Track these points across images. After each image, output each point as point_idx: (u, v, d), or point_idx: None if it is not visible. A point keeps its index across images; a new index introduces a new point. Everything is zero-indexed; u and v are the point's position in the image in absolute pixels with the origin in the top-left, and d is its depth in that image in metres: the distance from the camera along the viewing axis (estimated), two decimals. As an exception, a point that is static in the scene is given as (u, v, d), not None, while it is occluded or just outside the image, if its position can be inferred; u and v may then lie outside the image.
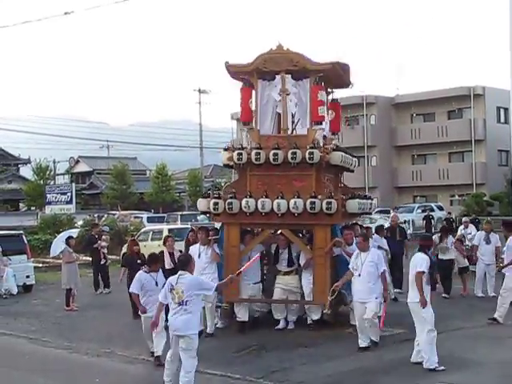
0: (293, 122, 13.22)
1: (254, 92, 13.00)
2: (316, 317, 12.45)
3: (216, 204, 12.54)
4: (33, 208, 56.59)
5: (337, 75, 13.20)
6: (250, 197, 12.32)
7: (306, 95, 12.85)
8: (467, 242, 19.08)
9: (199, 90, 57.60)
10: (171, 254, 13.80)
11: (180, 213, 43.87)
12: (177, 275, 8.64)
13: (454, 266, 16.93)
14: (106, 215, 43.37)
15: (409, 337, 11.59)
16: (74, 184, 51.03)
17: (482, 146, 50.50)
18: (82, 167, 76.43)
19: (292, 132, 13.14)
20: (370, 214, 15.91)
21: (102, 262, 19.80)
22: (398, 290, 16.22)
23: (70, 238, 18.63)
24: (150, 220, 40.52)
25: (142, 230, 29.72)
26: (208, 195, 13.21)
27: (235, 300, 12.66)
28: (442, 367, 9.46)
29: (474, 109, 50.49)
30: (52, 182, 58.12)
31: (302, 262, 12.63)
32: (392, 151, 54.85)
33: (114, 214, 42.86)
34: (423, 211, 39.76)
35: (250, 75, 12.91)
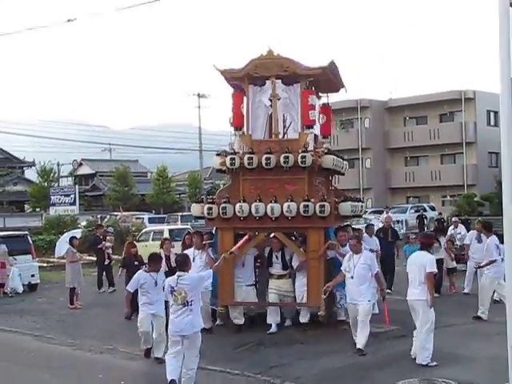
0: (284, 127, 13.06)
1: (245, 97, 12.79)
2: (304, 320, 12.29)
3: (210, 209, 12.35)
4: (37, 209, 56.48)
5: (327, 79, 13.03)
6: (244, 201, 12.13)
7: (296, 100, 12.67)
8: (457, 242, 19.14)
9: (198, 95, 57.53)
10: (167, 257, 13.60)
11: (180, 214, 43.82)
12: (176, 276, 8.47)
13: (443, 266, 16.98)
14: (108, 216, 43.33)
15: (402, 333, 11.63)
16: (77, 186, 50.99)
17: (472, 149, 50.62)
18: (85, 170, 76.45)
19: (283, 136, 12.96)
20: (361, 216, 15.73)
21: (106, 262, 19.81)
22: (388, 291, 16.22)
23: (73, 238, 18.66)
24: (151, 221, 40.47)
25: (144, 231, 29.74)
26: (202, 200, 13.04)
27: (230, 303, 12.52)
28: (435, 362, 9.49)
29: (465, 112, 50.63)
30: (56, 184, 57.97)
31: (295, 264, 12.44)
32: (386, 153, 54.94)
33: (116, 215, 42.82)
34: (416, 211, 39.86)
35: (241, 81, 12.75)
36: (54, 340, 12.82)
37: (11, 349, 12.43)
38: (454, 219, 22.85)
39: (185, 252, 11.34)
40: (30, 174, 69.19)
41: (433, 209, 42.83)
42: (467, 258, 16.50)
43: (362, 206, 13.86)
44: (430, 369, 9.36)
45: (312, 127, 12.75)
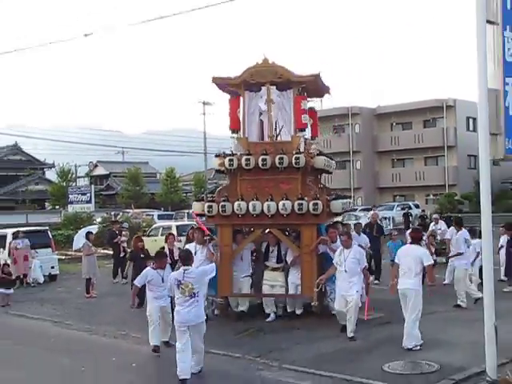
0: (275, 129, 12.84)
1: (241, 102, 12.65)
2: (299, 311, 12.21)
3: (210, 207, 12.24)
4: (57, 207, 56.39)
5: (316, 86, 12.91)
6: (242, 200, 12.03)
7: (289, 104, 12.52)
8: (438, 237, 19.14)
9: (204, 102, 57.42)
10: (171, 251, 13.51)
11: (187, 211, 43.68)
12: (182, 271, 8.40)
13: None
14: (121, 213, 43.25)
15: (389, 320, 11.64)
16: (93, 186, 51.02)
17: (453, 152, 50.63)
18: (100, 171, 76.38)
19: (275, 139, 12.76)
20: (351, 210, 15.52)
21: (121, 255, 19.78)
22: (376, 281, 16.22)
23: (89, 233, 18.67)
24: (160, 217, 40.42)
25: (153, 226, 29.70)
26: (202, 199, 12.93)
27: (228, 294, 12.40)
28: (419, 347, 9.50)
29: (446, 119, 50.65)
30: (74, 184, 57.94)
31: (289, 259, 12.30)
32: (374, 156, 54.91)
33: (128, 212, 42.76)
34: (402, 209, 39.78)
35: (237, 87, 12.61)
36: (72, 326, 12.84)
37: (33, 334, 12.45)
38: (434, 216, 22.86)
39: (187, 247, 11.19)
40: (50, 174, 69.22)
41: (417, 206, 42.83)
42: (448, 252, 16.47)
43: (349, 203, 13.82)
44: (414, 352, 9.36)
45: (304, 130, 12.68)
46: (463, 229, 13.99)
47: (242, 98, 12.68)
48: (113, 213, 43.29)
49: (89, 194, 44.35)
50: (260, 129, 13.00)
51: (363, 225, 17.57)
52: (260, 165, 12.04)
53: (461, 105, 49.72)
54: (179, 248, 14.50)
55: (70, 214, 39.66)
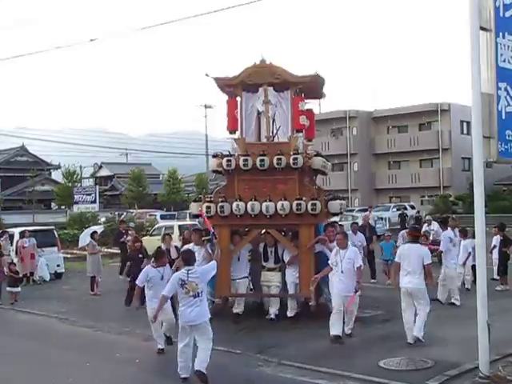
0: (272, 131, 12.58)
1: (239, 103, 12.33)
2: (290, 314, 11.83)
3: (209, 207, 11.91)
4: (63, 207, 56.49)
5: (313, 87, 12.62)
6: (240, 200, 11.75)
7: (286, 105, 12.22)
8: (431, 237, 19.13)
9: (205, 106, 57.45)
10: (167, 251, 13.16)
11: (189, 211, 43.74)
12: (185, 271, 8.16)
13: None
14: (125, 213, 43.35)
15: (385, 318, 11.66)
16: (97, 186, 51.16)
17: (448, 154, 50.63)
18: (105, 172, 76.44)
19: (272, 139, 12.47)
20: (341, 213, 15.15)
21: (128, 254, 19.75)
22: (373, 280, 16.23)
23: (94, 232, 18.68)
24: (162, 217, 40.38)
25: (156, 226, 29.74)
26: (200, 199, 12.61)
27: (227, 295, 12.16)
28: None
29: (441, 122, 50.65)
30: (79, 185, 58.03)
31: (287, 258, 12.00)
32: (371, 158, 54.90)
33: (131, 212, 42.86)
34: (398, 210, 39.82)
35: (235, 88, 12.29)
36: (77, 322, 12.85)
37: (39, 330, 12.46)
38: (427, 218, 22.94)
39: (189, 248, 10.78)
40: (56, 175, 69.31)
41: (413, 207, 42.81)
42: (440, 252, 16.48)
43: (344, 203, 13.57)
44: (409, 349, 9.37)
45: (302, 131, 12.48)
46: (449, 228, 14.10)
47: (239, 99, 12.37)
48: (117, 213, 43.40)
49: (94, 195, 44.46)
50: (257, 130, 12.77)
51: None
52: (258, 165, 11.77)
53: (455, 109, 49.76)
54: (175, 246, 14.48)
55: (75, 214, 39.72)
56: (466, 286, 14.53)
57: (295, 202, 11.53)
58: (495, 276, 15.28)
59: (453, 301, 13.00)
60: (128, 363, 9.44)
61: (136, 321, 12.04)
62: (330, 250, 11.15)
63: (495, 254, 15.51)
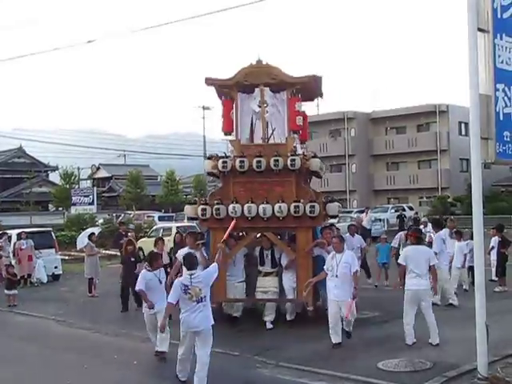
0: (267, 132, 12.28)
1: (234, 104, 12.04)
2: (290, 317, 11.70)
3: (204, 210, 11.63)
4: (60, 208, 56.42)
5: (309, 88, 12.37)
6: (236, 202, 11.43)
7: (283, 106, 11.99)
8: (427, 239, 19.15)
9: (203, 107, 57.47)
10: (160, 255, 13.12)
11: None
12: (187, 276, 7.86)
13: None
14: (123, 215, 43.30)
15: (384, 319, 11.66)
16: (95, 188, 51.06)
17: (446, 155, 50.69)
18: (102, 173, 76.37)
19: (267, 141, 12.14)
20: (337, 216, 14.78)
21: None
22: (369, 281, 16.21)
23: (92, 234, 18.67)
24: (160, 219, 40.37)
25: (154, 228, 29.74)
26: (195, 202, 12.39)
27: (223, 300, 11.72)
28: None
29: (439, 123, 50.72)
30: (76, 186, 58.00)
31: (284, 262, 11.72)
32: (369, 159, 54.94)
33: (129, 214, 42.82)
34: (396, 211, 39.84)
35: (231, 88, 12.02)
36: (75, 324, 12.84)
37: (37, 332, 12.45)
38: (423, 219, 23.03)
39: (190, 252, 10.19)
40: (54, 177, 69.27)
41: (411, 209, 42.86)
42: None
43: (340, 206, 13.43)
44: (408, 351, 9.36)
45: (298, 132, 12.29)
46: (442, 230, 14.12)
47: (235, 100, 12.11)
48: (114, 214, 43.33)
49: (91, 196, 44.43)
50: (253, 131, 12.48)
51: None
52: (254, 167, 11.50)
53: (453, 110, 49.82)
54: (168, 252, 14.35)
55: (72, 216, 39.71)
56: (464, 287, 14.57)
57: (293, 205, 11.27)
58: (493, 277, 15.29)
59: (450, 302, 13.00)
60: (126, 365, 9.43)
61: (133, 323, 12.04)
62: (329, 253, 11.08)
63: (493, 256, 15.54)
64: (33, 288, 18.96)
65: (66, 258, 26.21)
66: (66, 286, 19.45)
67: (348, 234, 14.36)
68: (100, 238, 24.05)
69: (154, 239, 24.60)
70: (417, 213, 38.60)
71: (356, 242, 14.51)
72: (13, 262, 18.29)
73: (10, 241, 20.33)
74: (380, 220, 35.33)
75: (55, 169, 67.89)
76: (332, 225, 13.19)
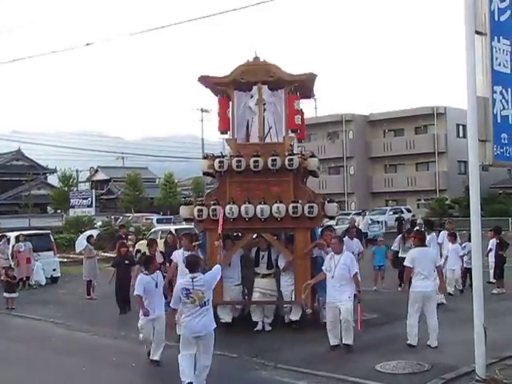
0: (265, 131, 12.01)
1: (230, 102, 11.76)
2: (295, 317, 11.36)
3: (200, 211, 11.33)
4: (59, 211, 56.35)
5: (307, 86, 12.12)
6: (234, 203, 11.14)
7: (280, 105, 11.72)
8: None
9: (202, 110, 57.51)
10: (154, 257, 12.90)
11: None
12: (189, 279, 7.54)
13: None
14: (121, 217, 43.28)
15: (382, 321, 11.66)
16: (93, 190, 51.01)
17: (444, 158, 50.72)
18: (101, 176, 76.35)
19: (264, 140, 11.82)
20: (335, 217, 14.55)
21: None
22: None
23: (90, 236, 18.68)
24: (159, 221, 40.30)
25: (152, 230, 29.69)
26: (190, 203, 12.16)
27: (219, 302, 11.06)
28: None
29: (437, 125, 50.76)
30: (75, 189, 58.00)
31: (282, 264, 11.48)
32: (367, 162, 54.95)
33: (128, 216, 42.79)
34: (394, 213, 39.86)
35: (227, 86, 11.70)
36: (73, 327, 12.81)
37: (36, 335, 12.41)
38: (418, 221, 23.09)
39: (193, 253, 10.01)
40: (52, 179, 69.20)
41: (409, 211, 42.87)
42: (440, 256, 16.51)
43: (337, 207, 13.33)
44: (406, 353, 9.35)
45: (296, 131, 12.07)
46: (433, 232, 14.15)
47: (231, 98, 11.81)
48: (113, 217, 43.29)
49: (90, 199, 44.37)
50: (250, 130, 12.15)
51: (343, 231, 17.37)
52: (252, 166, 11.23)
53: (451, 112, 49.85)
54: (161, 252, 14.28)
55: (71, 218, 39.64)
56: (459, 288, 14.63)
57: (291, 205, 11.05)
58: (491, 279, 15.30)
59: (440, 300, 12.86)
60: (124, 367, 9.42)
61: (131, 325, 11.98)
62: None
63: (491, 258, 15.54)
64: (31, 290, 18.92)
65: (65, 260, 26.16)
66: (64, 288, 19.40)
67: (347, 238, 14.25)
68: (98, 241, 24.06)
69: (151, 242, 24.72)
70: (414, 215, 38.64)
71: (355, 246, 14.37)
72: (12, 265, 18.26)
73: (8, 243, 20.27)
74: (378, 222, 35.35)
75: (54, 171, 67.83)
76: (330, 226, 13.11)
